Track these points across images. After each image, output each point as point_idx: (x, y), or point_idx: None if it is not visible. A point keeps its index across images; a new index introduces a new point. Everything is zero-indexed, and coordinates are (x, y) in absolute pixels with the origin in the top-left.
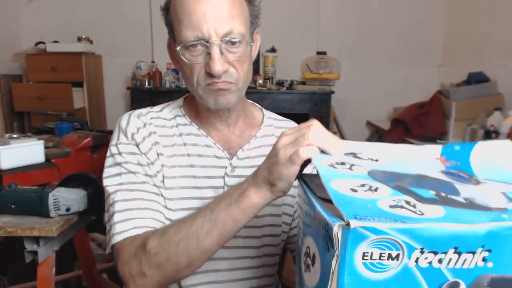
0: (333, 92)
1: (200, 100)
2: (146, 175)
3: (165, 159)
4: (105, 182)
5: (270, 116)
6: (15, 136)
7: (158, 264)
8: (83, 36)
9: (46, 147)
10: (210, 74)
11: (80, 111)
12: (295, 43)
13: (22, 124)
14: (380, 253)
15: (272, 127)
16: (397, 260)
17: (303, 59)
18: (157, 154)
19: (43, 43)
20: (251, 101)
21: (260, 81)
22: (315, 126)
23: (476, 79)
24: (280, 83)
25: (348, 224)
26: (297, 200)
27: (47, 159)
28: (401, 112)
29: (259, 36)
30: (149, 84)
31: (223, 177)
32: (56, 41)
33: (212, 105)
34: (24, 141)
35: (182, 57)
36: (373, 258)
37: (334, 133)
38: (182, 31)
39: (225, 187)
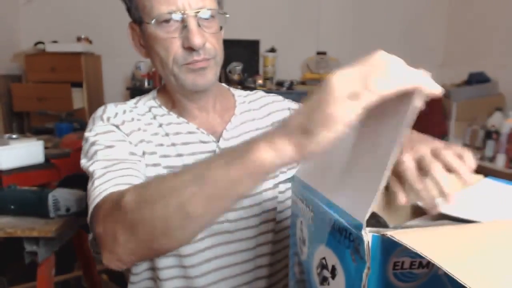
0: None
1: (175, 82)
2: (128, 151)
3: (147, 146)
4: (82, 164)
5: (240, 94)
6: (14, 136)
7: (131, 225)
8: (83, 36)
9: (45, 148)
10: (189, 50)
11: (80, 112)
12: (295, 43)
13: (21, 125)
14: (411, 262)
15: (246, 103)
16: (427, 268)
17: (303, 59)
18: (140, 140)
19: (42, 43)
20: (218, 82)
21: (260, 81)
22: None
23: (477, 79)
24: (280, 83)
25: (379, 232)
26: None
27: (47, 159)
28: None
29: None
30: (148, 84)
31: None
32: (55, 41)
33: (189, 85)
34: (24, 142)
35: (154, 34)
36: (404, 267)
37: None
38: (154, 6)
39: None
